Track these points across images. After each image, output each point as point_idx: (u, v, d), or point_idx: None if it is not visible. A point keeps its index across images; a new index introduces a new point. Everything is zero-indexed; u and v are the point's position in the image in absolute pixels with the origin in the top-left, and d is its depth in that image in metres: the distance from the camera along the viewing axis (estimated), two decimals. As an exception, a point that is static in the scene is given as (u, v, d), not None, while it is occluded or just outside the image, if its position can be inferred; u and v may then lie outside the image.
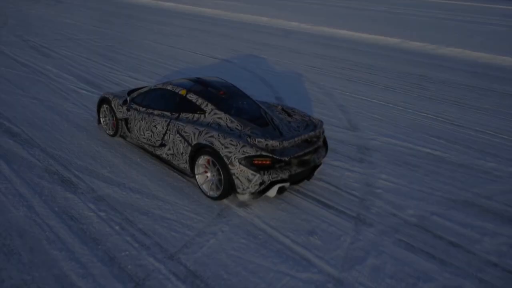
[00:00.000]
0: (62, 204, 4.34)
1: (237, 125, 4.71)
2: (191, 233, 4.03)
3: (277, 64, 11.49)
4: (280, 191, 4.53)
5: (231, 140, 4.36)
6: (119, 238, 3.89)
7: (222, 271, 3.54)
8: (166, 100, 5.32)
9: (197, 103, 5.03)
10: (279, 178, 4.37)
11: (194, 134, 4.66)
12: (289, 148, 4.54)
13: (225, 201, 4.59)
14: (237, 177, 4.28)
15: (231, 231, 4.11)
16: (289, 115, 5.40)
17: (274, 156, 4.31)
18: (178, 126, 4.87)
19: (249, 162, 4.28)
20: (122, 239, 3.87)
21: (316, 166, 4.90)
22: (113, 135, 5.99)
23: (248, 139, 4.41)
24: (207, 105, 4.97)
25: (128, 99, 5.70)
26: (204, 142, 4.51)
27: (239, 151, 4.26)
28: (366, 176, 5.37)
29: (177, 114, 5.11)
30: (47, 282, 3.32)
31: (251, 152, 4.25)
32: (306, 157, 4.68)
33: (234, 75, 9.91)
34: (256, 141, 4.39)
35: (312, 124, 5.12)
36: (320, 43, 15.45)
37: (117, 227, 4.04)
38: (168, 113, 5.19)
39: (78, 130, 6.23)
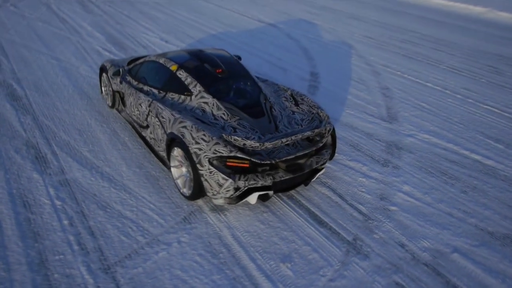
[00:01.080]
0: (23, 186, 4.00)
1: (224, 114, 3.95)
2: (143, 240, 3.46)
3: (329, 32, 10.21)
4: (263, 198, 3.77)
5: (203, 135, 3.62)
6: (62, 236, 3.45)
7: (156, 298, 2.95)
8: (157, 76, 4.67)
9: (186, 82, 4.31)
10: (258, 185, 3.58)
11: (170, 121, 3.99)
12: (279, 147, 3.71)
13: (199, 201, 3.94)
14: (206, 180, 3.57)
15: (189, 243, 3.47)
16: (296, 103, 4.47)
17: (252, 159, 3.51)
18: (158, 109, 4.23)
19: (221, 163, 3.53)
20: (64, 238, 3.42)
21: (315, 171, 4.01)
22: (111, 107, 5.53)
23: (224, 135, 3.64)
24: (195, 85, 4.23)
25: (121, 70, 5.14)
26: (176, 133, 3.83)
27: (210, 149, 3.52)
28: (384, 186, 4.37)
29: (164, 93, 4.46)
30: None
31: (224, 151, 3.49)
32: (300, 161, 3.81)
33: (273, 43, 8.94)
34: (232, 138, 3.60)
35: (318, 119, 4.17)
36: (386, 8, 13.58)
37: (65, 222, 3.60)
38: (156, 91, 4.55)
39: (81, 98, 5.87)
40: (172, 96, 4.35)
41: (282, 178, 3.68)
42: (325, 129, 4.04)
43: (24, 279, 3.02)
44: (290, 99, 4.55)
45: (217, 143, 3.53)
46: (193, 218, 3.74)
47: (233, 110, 4.02)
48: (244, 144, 3.56)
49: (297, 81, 7.01)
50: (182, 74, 4.38)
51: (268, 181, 3.60)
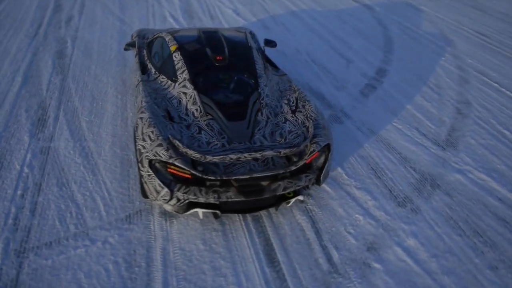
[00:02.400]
0: (9, 146, 4.15)
1: (197, 110, 3.47)
2: (73, 230, 3.28)
3: (431, 22, 8.57)
4: (214, 215, 3.25)
5: (152, 132, 3.19)
6: (7, 205, 3.46)
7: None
8: (158, 54, 4.34)
9: (176, 66, 3.90)
10: (200, 201, 3.07)
11: (137, 108, 3.64)
12: (238, 164, 3.11)
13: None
14: (145, 182, 3.18)
15: (114, 246, 3.17)
16: (294, 110, 3.71)
17: (192, 171, 2.99)
18: (138, 92, 3.90)
19: (163, 168, 3.09)
20: (6, 209, 3.42)
21: (286, 197, 3.31)
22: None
23: (170, 137, 3.15)
24: (183, 72, 3.80)
25: (136, 42, 4.91)
26: (135, 123, 3.47)
27: (152, 150, 3.09)
28: (382, 232, 3.45)
29: (157, 75, 4.11)
30: None
31: (163, 156, 3.03)
32: (262, 183, 3.15)
33: (354, 28, 7.83)
34: (176, 143, 3.10)
35: (302, 136, 3.38)
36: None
37: (19, 192, 3.61)
38: (153, 71, 4.23)
39: (117, 65, 5.88)
40: (162, 79, 3.97)
41: (234, 200, 3.08)
42: (308, 149, 3.25)
43: None
44: (293, 103, 3.80)
45: (160, 145, 3.08)
46: (136, 219, 3.41)
47: (209, 107, 3.49)
48: (186, 152, 3.03)
49: (355, 77, 6.00)
50: (176, 57, 3.96)
51: (211, 199, 3.05)
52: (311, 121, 3.48)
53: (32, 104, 4.82)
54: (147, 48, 4.64)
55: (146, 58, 4.53)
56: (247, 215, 3.44)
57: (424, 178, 4.10)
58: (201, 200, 3.06)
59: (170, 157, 3.00)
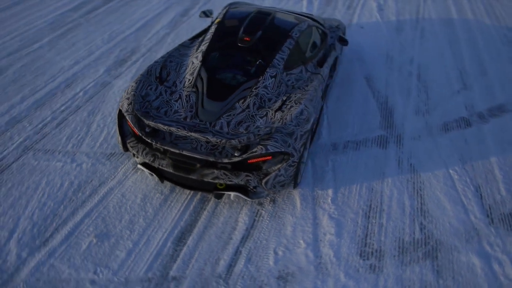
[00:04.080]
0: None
1: (189, 80, 3.62)
2: (69, 148, 3.96)
3: None
4: (160, 178, 3.45)
5: (132, 85, 3.51)
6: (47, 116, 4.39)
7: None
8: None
9: (205, 38, 4.07)
10: (138, 158, 3.30)
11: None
12: (186, 139, 3.17)
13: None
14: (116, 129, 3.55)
15: (81, 171, 3.71)
16: (278, 109, 3.42)
17: (136, 129, 3.21)
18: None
19: (125, 119, 3.42)
20: None
21: (218, 188, 3.22)
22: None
23: (141, 95, 3.40)
24: (205, 44, 3.96)
25: (207, 12, 5.16)
26: None
27: (122, 101, 3.42)
28: (313, 274, 3.01)
29: (194, 41, 4.35)
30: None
31: (123, 108, 3.34)
32: (192, 162, 3.13)
33: (504, 57, 6.25)
34: (142, 101, 3.33)
35: (245, 138, 3.09)
36: None
37: (58, 106, 4.50)
38: (198, 38, 4.49)
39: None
40: (192, 45, 4.20)
41: (168, 170, 3.19)
42: (255, 150, 3.02)
43: None
44: (286, 102, 3.50)
45: (127, 98, 3.37)
46: (114, 159, 3.85)
47: (201, 81, 3.55)
48: (135, 113, 3.23)
49: (454, 106, 4.91)
50: (211, 30, 4.11)
51: (146, 159, 3.22)
52: (279, 124, 3.16)
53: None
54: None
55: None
56: (199, 194, 3.46)
57: (425, 242, 3.25)
58: (140, 158, 3.25)
59: (126, 111, 3.27)
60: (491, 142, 4.34)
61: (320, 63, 4.24)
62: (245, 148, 3.05)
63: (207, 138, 2.96)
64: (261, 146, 3.00)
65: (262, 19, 4.11)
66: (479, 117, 4.73)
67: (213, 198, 3.45)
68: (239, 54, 3.75)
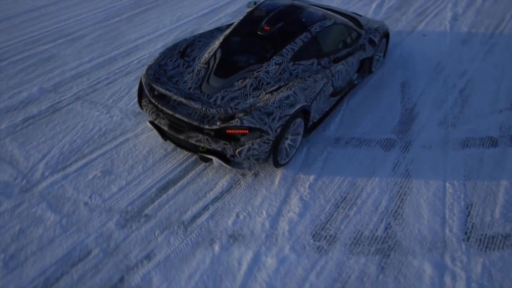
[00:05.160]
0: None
1: (205, 58, 4.10)
2: (111, 104, 4.78)
3: None
4: (162, 137, 4.03)
5: (157, 56, 4.13)
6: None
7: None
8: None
9: (234, 23, 4.55)
10: (149, 117, 3.92)
11: None
12: (183, 105, 3.68)
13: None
14: (141, 89, 4.20)
15: (110, 121, 4.47)
16: (269, 92, 3.73)
17: (146, 91, 3.82)
18: None
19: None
20: None
21: (200, 150, 3.67)
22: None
23: (160, 64, 4.00)
24: (229, 28, 4.45)
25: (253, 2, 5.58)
26: None
27: (147, 65, 4.05)
28: (250, 240, 3.36)
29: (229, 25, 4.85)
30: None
31: (144, 73, 3.94)
32: (182, 125, 3.63)
33: None
34: (158, 69, 3.93)
35: (222, 110, 3.46)
36: None
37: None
38: None
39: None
40: (224, 30, 4.69)
41: (161, 126, 3.73)
42: (233, 122, 3.41)
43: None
44: (283, 87, 3.80)
45: (150, 65, 3.98)
46: (140, 117, 4.54)
47: (214, 60, 3.99)
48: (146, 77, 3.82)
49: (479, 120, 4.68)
50: (242, 17, 4.56)
51: (150, 117, 3.82)
52: (261, 104, 3.49)
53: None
54: None
55: None
56: (194, 157, 3.95)
57: (384, 240, 3.34)
58: (147, 115, 3.87)
59: (143, 75, 3.89)
60: (510, 166, 4.08)
61: (338, 60, 4.40)
62: (227, 120, 3.45)
63: (192, 104, 3.43)
64: (238, 119, 3.38)
65: (289, 12, 4.42)
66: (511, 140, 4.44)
67: (204, 163, 3.92)
68: (255, 41, 4.12)
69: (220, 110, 3.37)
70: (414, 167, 4.01)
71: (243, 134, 3.45)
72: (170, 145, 4.10)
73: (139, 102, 4.00)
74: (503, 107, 4.94)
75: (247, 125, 3.35)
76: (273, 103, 3.49)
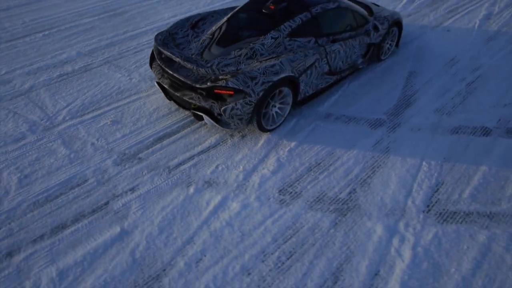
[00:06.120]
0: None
1: (211, 30, 4.56)
2: (135, 68, 5.42)
3: None
4: (167, 97, 4.56)
5: (171, 25, 4.66)
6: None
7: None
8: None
9: (245, 1, 4.97)
10: (153, 74, 4.46)
11: None
12: (184, 67, 4.14)
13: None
14: (154, 53, 4.77)
15: (130, 82, 5.11)
16: (259, 61, 4.11)
17: (155, 53, 4.36)
18: None
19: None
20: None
21: (192, 108, 4.13)
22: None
23: (171, 32, 4.53)
24: (240, 6, 4.88)
25: None
26: None
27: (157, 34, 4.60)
28: (228, 192, 3.77)
29: None
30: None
31: (155, 38, 4.48)
32: (179, 84, 4.12)
33: None
34: (168, 36, 4.45)
35: (210, 70, 3.90)
36: None
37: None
38: None
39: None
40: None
41: (162, 83, 4.25)
42: (219, 82, 3.84)
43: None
44: (277, 58, 4.16)
45: (161, 32, 4.53)
46: (153, 80, 5.12)
47: (219, 32, 4.44)
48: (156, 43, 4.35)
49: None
50: (252, -3, 4.96)
51: (155, 75, 4.35)
52: (247, 69, 3.88)
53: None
54: None
55: None
56: (192, 117, 4.43)
57: (345, 202, 3.61)
58: (153, 73, 4.41)
59: (155, 40, 4.44)
60: (497, 155, 4.13)
61: (337, 41, 4.66)
62: (216, 81, 3.88)
63: (187, 65, 3.90)
64: (224, 80, 3.80)
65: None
66: (507, 132, 4.45)
67: (200, 123, 4.38)
68: (259, 18, 4.51)
69: (208, 70, 3.81)
70: (395, 145, 4.18)
71: (230, 96, 3.86)
72: (174, 106, 4.61)
73: (150, 63, 4.55)
74: (508, 102, 4.91)
75: (231, 86, 3.76)
76: (259, 69, 3.86)
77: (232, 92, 3.81)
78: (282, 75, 3.97)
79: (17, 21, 6.72)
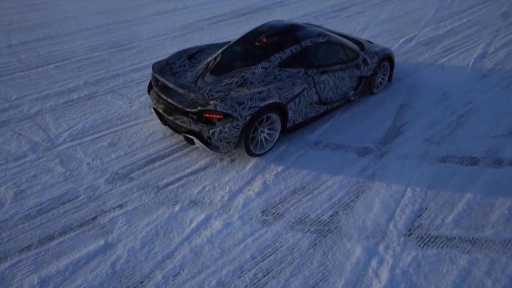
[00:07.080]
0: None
1: (207, 60, 4.87)
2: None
3: None
4: (162, 122, 4.79)
5: (170, 55, 4.98)
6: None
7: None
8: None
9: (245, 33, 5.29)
10: (152, 103, 4.73)
11: None
12: (178, 94, 4.39)
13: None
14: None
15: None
16: (249, 88, 4.34)
17: (152, 80, 4.65)
18: None
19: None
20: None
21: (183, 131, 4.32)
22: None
23: (169, 61, 4.83)
24: (236, 39, 5.20)
25: None
26: None
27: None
28: (206, 209, 3.88)
29: None
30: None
31: (152, 67, 4.78)
32: (172, 108, 4.35)
33: None
34: (165, 65, 4.75)
35: (200, 95, 4.13)
36: None
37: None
38: None
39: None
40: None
41: (157, 108, 4.49)
42: (209, 107, 4.05)
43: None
44: (265, 86, 4.38)
45: (159, 61, 4.84)
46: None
47: (214, 63, 4.71)
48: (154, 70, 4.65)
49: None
50: (249, 31, 5.29)
51: (151, 101, 4.60)
52: (235, 94, 4.10)
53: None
54: None
55: None
56: (189, 144, 4.60)
57: (326, 224, 3.67)
58: (150, 99, 4.66)
59: (152, 68, 4.73)
60: (483, 183, 4.16)
61: (325, 72, 4.89)
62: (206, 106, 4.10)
63: (179, 90, 4.15)
64: (213, 104, 4.01)
65: (288, 30, 5.03)
66: (495, 162, 4.49)
67: (192, 146, 4.56)
68: (252, 50, 4.79)
69: (198, 95, 4.04)
70: (381, 172, 4.26)
71: (219, 119, 4.06)
72: (168, 131, 4.82)
73: (148, 90, 4.82)
74: (498, 134, 4.98)
75: (219, 110, 3.96)
76: (246, 95, 4.08)
77: (221, 116, 4.00)
78: (269, 101, 4.16)
79: (33, 54, 7.21)
